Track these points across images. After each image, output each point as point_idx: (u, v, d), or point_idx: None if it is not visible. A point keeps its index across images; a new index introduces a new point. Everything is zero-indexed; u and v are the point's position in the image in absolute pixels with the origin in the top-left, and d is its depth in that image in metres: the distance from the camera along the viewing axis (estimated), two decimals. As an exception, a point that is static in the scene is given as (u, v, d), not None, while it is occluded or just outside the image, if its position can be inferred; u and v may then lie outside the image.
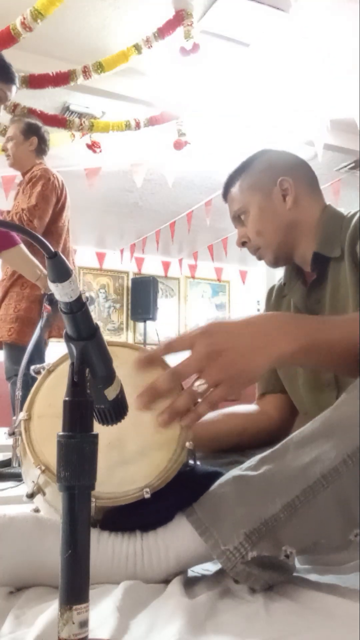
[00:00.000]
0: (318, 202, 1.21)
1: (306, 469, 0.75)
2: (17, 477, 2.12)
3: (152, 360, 0.84)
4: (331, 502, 0.74)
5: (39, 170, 2.80)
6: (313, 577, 0.86)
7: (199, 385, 0.79)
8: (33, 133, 2.89)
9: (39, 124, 2.98)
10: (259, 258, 1.24)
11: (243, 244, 1.24)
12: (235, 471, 0.82)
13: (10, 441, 2.38)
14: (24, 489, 1.85)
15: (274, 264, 1.23)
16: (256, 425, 1.23)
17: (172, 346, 0.82)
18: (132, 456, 0.81)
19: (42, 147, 2.94)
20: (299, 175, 1.21)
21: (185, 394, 0.81)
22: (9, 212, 2.76)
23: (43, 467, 0.78)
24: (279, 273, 1.35)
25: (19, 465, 2.24)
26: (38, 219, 2.68)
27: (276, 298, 1.32)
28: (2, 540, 0.77)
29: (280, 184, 1.18)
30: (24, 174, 2.93)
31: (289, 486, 0.75)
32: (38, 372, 0.88)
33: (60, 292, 0.50)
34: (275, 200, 1.19)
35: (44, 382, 0.87)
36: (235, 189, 1.24)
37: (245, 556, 0.74)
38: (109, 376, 0.57)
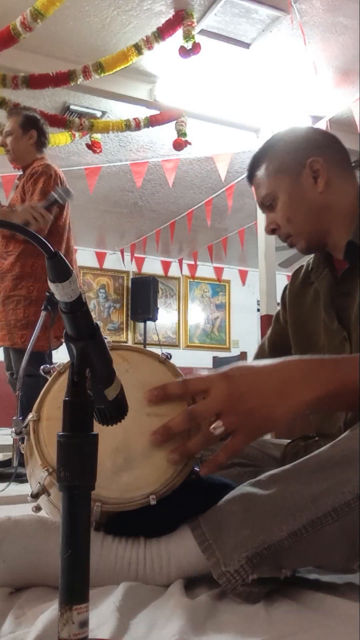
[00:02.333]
0: (352, 183, 1.11)
1: (317, 499, 0.73)
2: (17, 477, 2.11)
3: (166, 397, 0.82)
4: (338, 533, 0.72)
5: (41, 166, 2.72)
6: (313, 576, 0.86)
7: (215, 427, 0.76)
8: (32, 126, 2.80)
9: (37, 115, 2.88)
10: (291, 245, 1.14)
11: (272, 231, 1.14)
12: (245, 487, 0.80)
13: (10, 441, 2.38)
14: (24, 488, 1.85)
15: (306, 251, 1.14)
16: None
17: (189, 386, 0.79)
18: (139, 462, 0.80)
19: (42, 140, 2.84)
20: (330, 154, 1.11)
21: (200, 436, 0.78)
22: (10, 206, 2.66)
23: (50, 470, 0.78)
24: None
25: (20, 465, 2.25)
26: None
27: (301, 284, 1.23)
28: (7, 542, 0.78)
29: (310, 165, 1.08)
30: (24, 169, 2.85)
31: (297, 514, 0.73)
32: (48, 372, 0.87)
33: (60, 292, 0.50)
34: (305, 184, 1.09)
35: (54, 383, 0.85)
36: (261, 173, 1.13)
37: (246, 579, 0.73)
38: (109, 376, 0.57)
